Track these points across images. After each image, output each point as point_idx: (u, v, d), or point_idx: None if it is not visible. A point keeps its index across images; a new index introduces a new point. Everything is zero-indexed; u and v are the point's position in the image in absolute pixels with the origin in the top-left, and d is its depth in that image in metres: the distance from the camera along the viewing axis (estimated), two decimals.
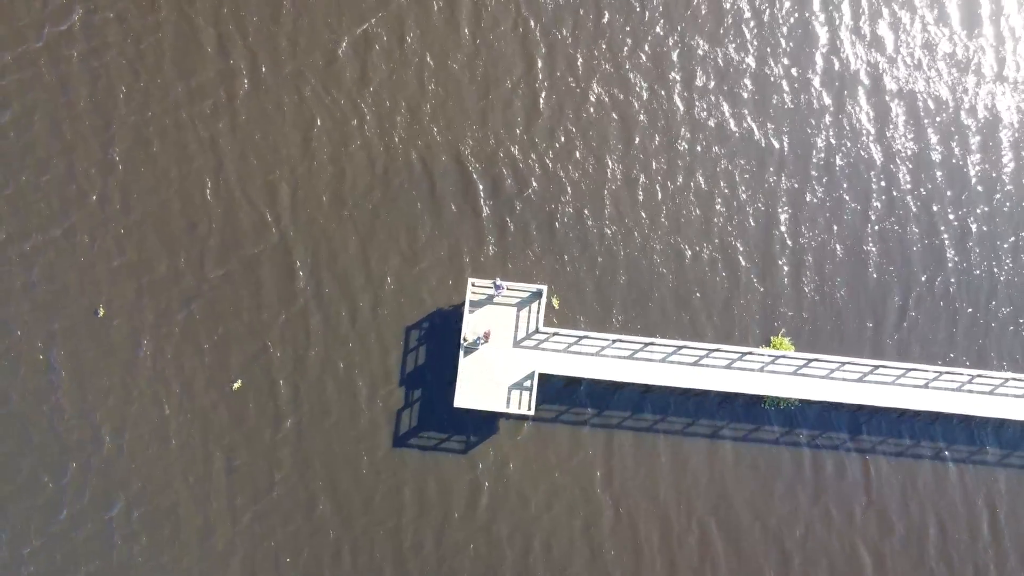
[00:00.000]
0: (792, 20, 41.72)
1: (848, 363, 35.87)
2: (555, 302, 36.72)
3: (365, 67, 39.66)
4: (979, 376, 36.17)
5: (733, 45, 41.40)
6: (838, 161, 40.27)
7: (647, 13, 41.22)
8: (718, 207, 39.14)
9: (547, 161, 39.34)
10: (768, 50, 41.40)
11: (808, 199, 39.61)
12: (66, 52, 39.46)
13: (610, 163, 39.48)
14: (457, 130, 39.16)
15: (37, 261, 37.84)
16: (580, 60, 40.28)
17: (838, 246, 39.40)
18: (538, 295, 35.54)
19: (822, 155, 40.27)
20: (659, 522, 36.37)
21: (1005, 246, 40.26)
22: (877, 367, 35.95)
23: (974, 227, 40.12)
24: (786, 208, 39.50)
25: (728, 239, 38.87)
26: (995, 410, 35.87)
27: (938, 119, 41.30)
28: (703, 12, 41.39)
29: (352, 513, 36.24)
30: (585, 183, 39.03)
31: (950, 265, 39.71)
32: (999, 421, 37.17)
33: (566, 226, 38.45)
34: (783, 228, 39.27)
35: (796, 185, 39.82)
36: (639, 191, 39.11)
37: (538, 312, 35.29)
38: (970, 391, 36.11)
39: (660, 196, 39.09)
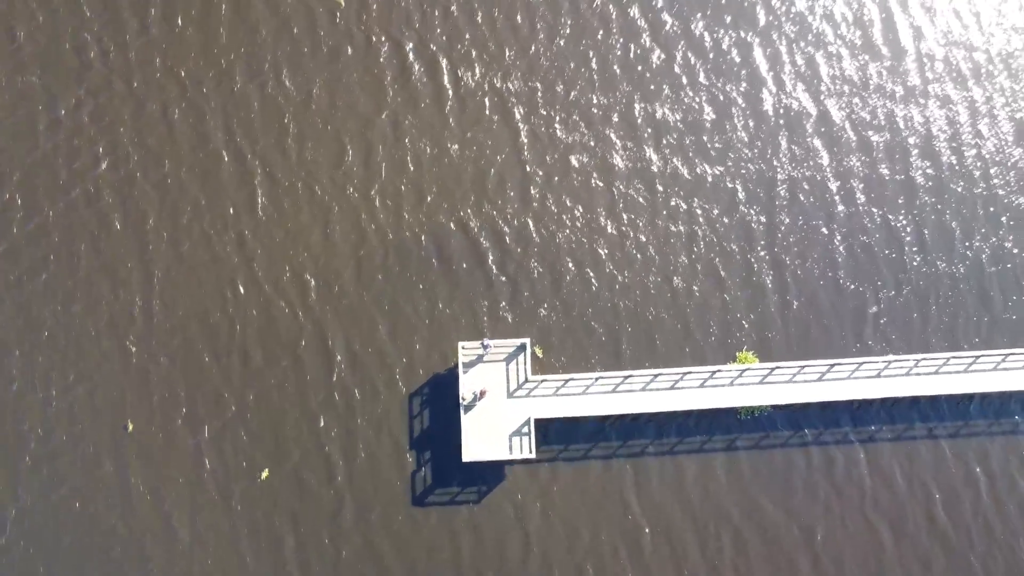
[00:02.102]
0: (742, 74, 45.85)
1: (807, 365, 39.15)
2: (539, 352, 39.26)
3: (368, 161, 42.67)
4: (924, 360, 39.72)
5: (689, 103, 45.53)
6: (793, 192, 43.69)
7: (613, 85, 44.86)
8: (692, 247, 42.15)
9: (527, 222, 42.12)
10: (722, 99, 45.26)
11: (776, 229, 43.11)
12: (99, 188, 42.10)
13: (585, 217, 42.22)
14: (449, 208, 41.79)
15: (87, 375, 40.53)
16: (557, 131, 43.38)
17: (812, 267, 42.76)
18: (522, 348, 38.28)
19: (784, 186, 44.03)
20: (683, 536, 38.89)
21: (956, 243, 44.32)
22: (833, 365, 39.26)
23: (926, 231, 44.12)
24: (755, 240, 42.73)
25: (696, 272, 41.93)
26: (930, 388, 39.74)
27: (879, 137, 45.58)
28: (659, 78, 44.95)
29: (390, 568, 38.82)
30: (559, 239, 41.80)
31: (911, 267, 43.72)
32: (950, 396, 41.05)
33: (544, 282, 41.31)
34: (751, 256, 42.39)
35: (764, 218, 43.53)
36: (607, 242, 42.15)
37: (525, 363, 38.05)
38: (918, 374, 39.77)
39: (630, 242, 42.01)
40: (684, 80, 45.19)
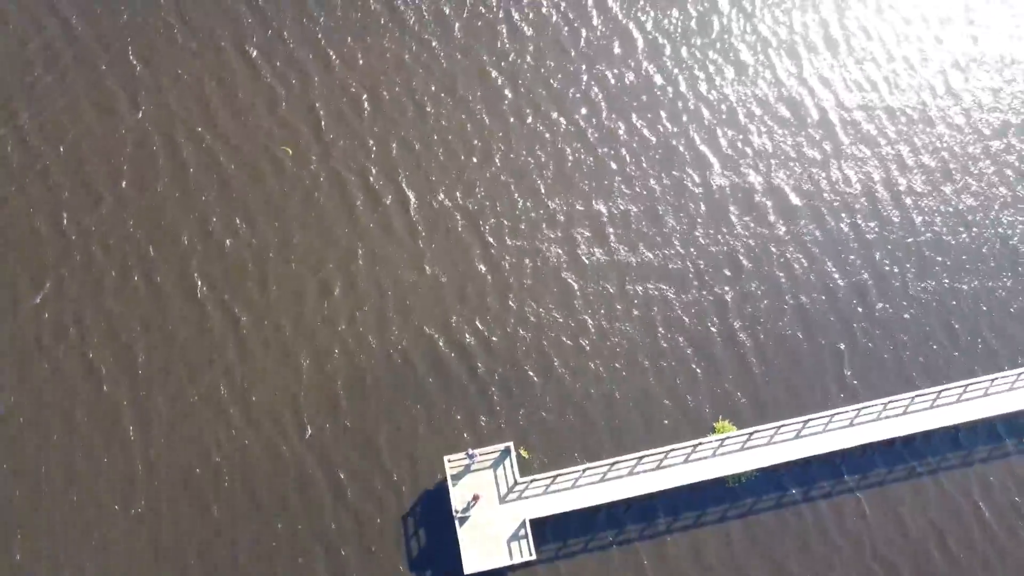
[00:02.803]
0: (675, 161, 48.88)
1: (783, 425, 40.09)
2: (524, 453, 39.67)
3: (338, 293, 43.88)
4: (891, 402, 40.97)
5: (632, 195, 48.16)
6: (744, 262, 46.27)
7: (562, 188, 47.51)
8: (656, 328, 43.78)
9: (496, 328, 43.28)
10: (662, 187, 48.00)
11: (731, 299, 44.94)
12: (72, 354, 42.75)
13: (550, 315, 43.67)
14: (422, 326, 42.96)
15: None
16: (514, 238, 45.46)
17: (772, 330, 44.42)
18: (507, 452, 38.70)
19: (733, 258, 46.06)
20: None
21: (897, 284, 46.39)
22: (808, 420, 40.27)
23: (869, 279, 46.25)
24: (714, 312, 44.37)
25: (663, 351, 43.33)
26: (896, 429, 40.70)
27: (811, 202, 48.34)
28: (601, 176, 47.76)
29: None
30: (528, 340, 43.02)
31: (869, 317, 45.50)
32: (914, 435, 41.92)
33: (518, 384, 42.23)
34: (712, 328, 43.88)
35: (718, 291, 45.45)
36: (575, 335, 43.46)
37: (512, 466, 38.42)
38: (889, 416, 40.88)
39: (597, 332, 43.28)
40: (623, 175, 47.91)
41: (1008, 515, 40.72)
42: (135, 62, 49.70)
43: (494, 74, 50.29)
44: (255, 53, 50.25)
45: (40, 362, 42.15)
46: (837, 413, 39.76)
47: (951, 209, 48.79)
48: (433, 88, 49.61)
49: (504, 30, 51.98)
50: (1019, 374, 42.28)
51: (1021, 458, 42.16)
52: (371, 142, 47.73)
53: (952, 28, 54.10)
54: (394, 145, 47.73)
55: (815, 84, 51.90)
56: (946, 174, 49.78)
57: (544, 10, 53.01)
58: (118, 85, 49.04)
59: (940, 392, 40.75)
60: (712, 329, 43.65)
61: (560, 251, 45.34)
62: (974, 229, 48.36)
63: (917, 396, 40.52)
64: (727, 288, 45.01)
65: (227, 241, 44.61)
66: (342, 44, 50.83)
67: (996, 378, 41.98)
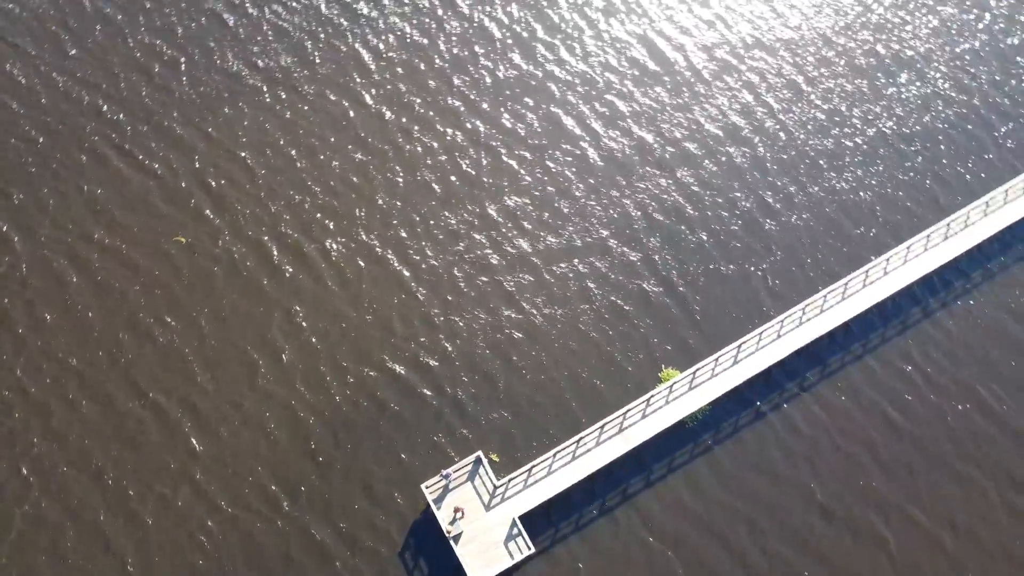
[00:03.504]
0: (559, 141, 50.47)
1: (720, 355, 42.25)
2: (494, 457, 40.61)
3: (279, 360, 43.54)
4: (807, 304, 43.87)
5: (529, 185, 49.41)
6: (651, 216, 47.97)
7: (461, 197, 48.44)
8: (591, 299, 45.24)
9: (443, 344, 43.90)
10: (554, 169, 49.57)
11: (650, 253, 46.91)
12: (45, 498, 41.17)
13: (490, 317, 44.31)
14: (370, 365, 42.80)
15: None
16: (431, 256, 45.89)
17: (694, 271, 46.66)
18: (479, 461, 39.51)
19: (639, 215, 48.05)
20: (709, 549, 40.20)
21: (784, 197, 49.30)
22: (742, 344, 42.58)
23: (760, 201, 48.82)
24: (639, 270, 46.14)
25: (603, 317, 45.11)
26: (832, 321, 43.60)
27: (688, 145, 50.73)
28: (495, 175, 49.03)
29: None
30: (475, 345, 43.77)
31: (772, 233, 48.12)
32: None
33: (479, 390, 42.87)
34: (641, 285, 45.79)
35: (637, 248, 47.22)
36: (518, 328, 44.52)
37: (487, 473, 39.23)
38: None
39: (537, 319, 44.20)
40: (515, 167, 49.27)
41: (935, 371, 44.05)
42: (9, 190, 48.12)
43: (369, 103, 50.89)
44: (128, 147, 49.36)
45: (14, 507, 40.47)
46: (765, 330, 42.20)
47: (813, 117, 52.22)
48: (315, 132, 49.85)
49: (367, 57, 52.71)
50: (908, 247, 45.77)
51: (930, 321, 45.65)
52: (270, 203, 47.58)
53: None
54: (295, 197, 47.69)
55: (656, 38, 54.61)
56: (797, 90, 53.24)
57: (398, 32, 54.00)
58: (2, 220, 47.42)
59: (847, 283, 43.76)
60: (640, 286, 45.42)
61: (482, 254, 46.27)
62: (836, 130, 51.90)
63: (828, 292, 43.39)
64: (642, 244, 46.92)
65: (161, 339, 43.67)
66: (212, 116, 50.46)
67: (889, 256, 45.34)
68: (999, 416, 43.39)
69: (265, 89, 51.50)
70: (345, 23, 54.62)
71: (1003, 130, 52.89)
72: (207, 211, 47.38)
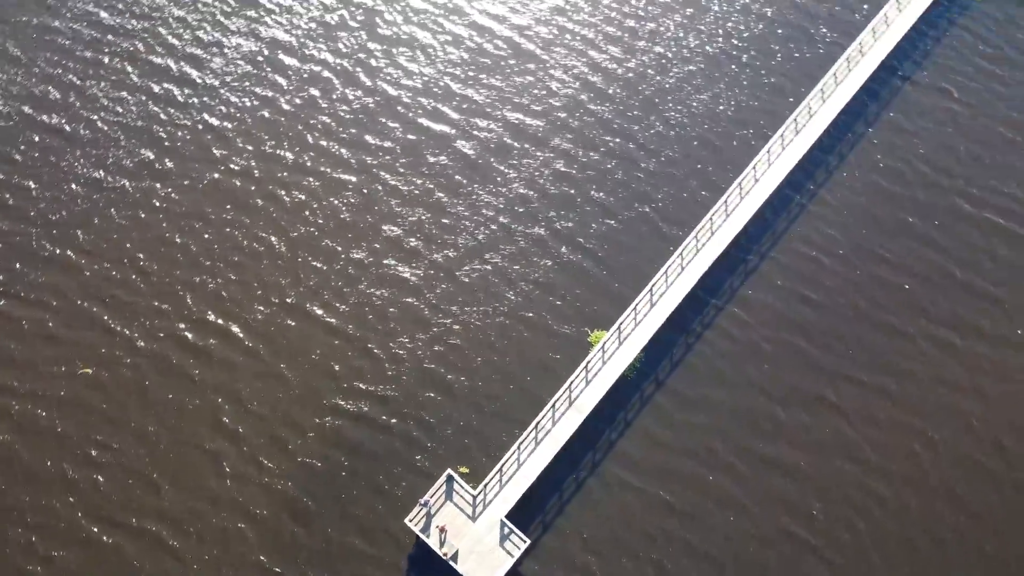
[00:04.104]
0: (424, 164, 50.86)
1: (636, 303, 44.27)
2: (464, 469, 41.36)
3: (227, 442, 43.05)
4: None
5: (407, 206, 49.73)
6: (532, 195, 49.52)
7: (345, 234, 48.65)
8: (508, 285, 46.19)
9: (387, 374, 44.35)
10: (427, 185, 50.08)
11: (543, 233, 48.34)
12: None
13: (420, 336, 44.57)
14: (320, 416, 42.60)
15: None
16: (341, 294, 45.73)
17: (584, 241, 48.18)
18: (450, 479, 40.46)
19: (521, 197, 49.34)
20: (702, 473, 42.01)
21: (650, 134, 51.37)
22: (652, 286, 44.75)
23: (630, 145, 50.91)
24: (541, 246, 47.53)
25: (527, 296, 46.20)
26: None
27: (549, 116, 52.02)
28: (366, 215, 49.23)
29: None
30: (419, 365, 43.91)
31: (649, 166, 50.13)
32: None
33: (427, 413, 43.32)
34: (546, 262, 47.01)
35: (529, 232, 48.60)
36: (452, 335, 45.29)
37: (462, 486, 40.25)
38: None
39: (469, 319, 44.81)
40: (398, 186, 49.49)
41: (832, 244, 47.37)
42: None
43: (237, 168, 50.07)
44: (8, 289, 47.47)
45: None
46: (669, 266, 44.37)
47: (655, 54, 54.36)
48: (194, 212, 48.71)
49: (219, 124, 51.79)
50: (768, 150, 48.67)
51: (813, 203, 48.87)
52: (173, 294, 46.46)
53: None
54: (195, 281, 46.67)
55: (484, 27, 55.52)
56: (631, 34, 55.22)
57: (240, 92, 53.14)
58: None
59: (726, 200, 46.33)
60: (545, 263, 46.84)
61: (396, 277, 46.37)
62: (678, 61, 54.21)
63: (713, 214, 45.91)
64: (542, 218, 48.10)
65: (111, 462, 42.54)
66: (84, 229, 48.68)
67: (755, 163, 48.16)
68: (898, 264, 47.14)
69: (129, 186, 50.16)
70: (184, 99, 53.44)
71: (821, 17, 56.46)
72: (112, 324, 46.12)
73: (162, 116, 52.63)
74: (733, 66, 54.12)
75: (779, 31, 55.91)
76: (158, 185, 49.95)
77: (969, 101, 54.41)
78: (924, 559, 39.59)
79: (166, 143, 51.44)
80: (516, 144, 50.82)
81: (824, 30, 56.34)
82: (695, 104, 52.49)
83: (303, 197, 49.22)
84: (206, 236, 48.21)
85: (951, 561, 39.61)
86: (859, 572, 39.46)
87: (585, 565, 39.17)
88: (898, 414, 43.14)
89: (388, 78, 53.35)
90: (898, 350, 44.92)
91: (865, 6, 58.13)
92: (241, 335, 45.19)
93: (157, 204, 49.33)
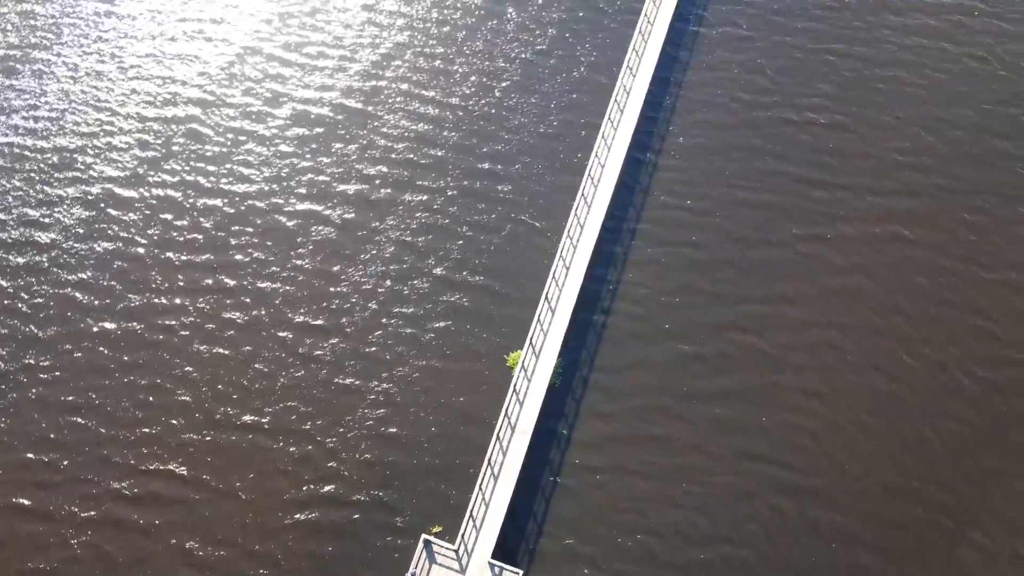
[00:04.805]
0: (281, 247, 50.80)
1: (539, 313, 45.85)
2: (436, 529, 41.24)
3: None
4: None
5: (271, 279, 49.73)
6: (408, 240, 50.39)
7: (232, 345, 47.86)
8: (412, 343, 46.59)
9: (327, 449, 44.23)
10: (292, 261, 50.12)
11: (430, 271, 49.27)
12: None
13: (350, 411, 44.18)
14: (273, 513, 42.01)
15: None
16: (277, 411, 45.30)
17: (468, 265, 49.54)
18: (427, 544, 39.93)
19: (397, 243, 50.15)
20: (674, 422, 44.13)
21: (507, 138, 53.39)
22: (547, 295, 46.57)
23: (488, 165, 52.63)
24: (426, 293, 48.22)
25: (428, 346, 46.67)
26: None
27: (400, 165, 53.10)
28: (239, 323, 48.82)
29: None
30: (358, 444, 43.58)
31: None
32: None
33: (381, 478, 43.29)
34: (440, 299, 47.78)
35: (412, 278, 49.33)
36: (373, 399, 45.63)
37: (442, 545, 40.10)
38: None
39: (379, 386, 44.67)
40: (277, 286, 49.34)
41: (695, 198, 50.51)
42: None
43: (109, 325, 47.88)
44: None
45: None
46: (555, 269, 46.41)
47: (471, 82, 56.57)
48: (78, 387, 46.23)
49: (75, 298, 49.94)
50: (602, 135, 51.62)
51: (657, 177, 52.00)
52: (87, 475, 43.25)
53: None
54: (103, 452, 44.04)
55: (311, 99, 56.38)
56: (445, 72, 57.35)
57: (90, 249, 51.40)
58: None
59: (583, 193, 48.79)
60: (443, 306, 47.54)
61: (307, 374, 45.66)
62: (494, 80, 56.67)
63: (576, 208, 48.23)
64: (423, 269, 48.88)
65: None
66: None
67: (597, 148, 51.03)
68: (752, 187, 50.85)
69: (10, 368, 47.26)
70: (34, 266, 50.94)
71: (605, 3, 60.63)
72: (33, 526, 43.42)
73: (15, 290, 49.93)
74: (546, 68, 57.11)
75: (574, 26, 59.50)
76: (39, 361, 47.45)
77: (756, 28, 59.51)
78: (878, 434, 43.45)
79: (30, 316, 48.92)
80: (376, 204, 51.64)
81: (611, 12, 60.31)
82: (526, 112, 54.98)
83: (190, 322, 48.12)
84: (100, 402, 45.96)
85: (899, 425, 43.65)
86: (827, 467, 42.40)
87: (588, 557, 40.30)
88: (802, 315, 46.99)
89: (233, 182, 53.15)
90: (781, 260, 48.85)
91: None
92: (177, 487, 43.54)
93: (37, 392, 46.85)
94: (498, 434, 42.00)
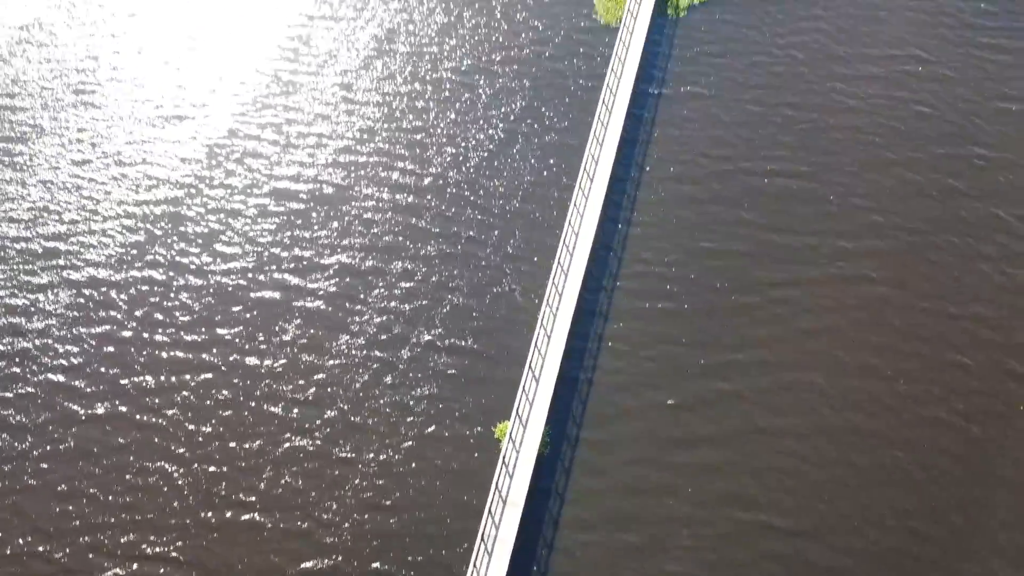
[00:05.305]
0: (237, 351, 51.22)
1: (524, 383, 46.61)
2: None
3: None
4: None
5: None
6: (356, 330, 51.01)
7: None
8: (378, 432, 46.65)
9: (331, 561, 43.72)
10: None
11: (400, 356, 49.82)
12: None
13: (343, 501, 44.35)
14: None
15: None
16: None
17: (443, 338, 50.03)
18: None
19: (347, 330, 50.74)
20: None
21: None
22: (531, 363, 47.52)
23: (472, 233, 53.90)
24: (402, 375, 48.86)
25: (403, 453, 46.90)
26: None
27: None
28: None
29: None
30: (342, 543, 43.19)
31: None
32: None
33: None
34: (417, 376, 48.07)
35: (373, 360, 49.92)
36: (363, 477, 45.29)
37: None
38: None
39: (382, 474, 44.81)
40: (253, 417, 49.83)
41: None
42: None
43: (96, 424, 48.28)
44: None
45: None
46: (536, 339, 47.50)
47: (445, 157, 58.53)
48: (67, 481, 46.50)
49: (61, 391, 50.03)
50: (573, 202, 53.43)
51: (631, 241, 53.76)
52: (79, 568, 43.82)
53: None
54: (103, 540, 43.67)
55: (288, 183, 57.79)
56: (421, 144, 59.31)
57: (75, 341, 51.75)
58: None
59: (559, 259, 50.30)
60: (429, 378, 48.27)
61: (294, 458, 46.03)
62: (470, 156, 58.72)
63: (554, 275, 49.64)
64: (405, 347, 49.83)
65: None
66: None
67: (570, 216, 52.68)
68: (721, 249, 52.66)
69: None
70: (18, 361, 51.12)
71: (569, 72, 63.42)
72: None
73: (2, 379, 49.93)
74: (519, 140, 59.35)
75: (542, 95, 62.13)
76: (31, 450, 47.12)
77: (715, 88, 62.46)
78: (863, 471, 44.53)
79: (17, 403, 48.82)
80: (360, 276, 52.76)
81: (576, 79, 63.19)
82: (501, 179, 56.91)
83: (176, 412, 48.40)
84: (97, 482, 45.56)
85: (884, 461, 44.84)
86: (816, 507, 43.38)
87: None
88: (778, 360, 48.36)
89: (217, 262, 54.09)
90: (755, 308, 50.39)
91: (601, 48, 65.64)
92: (176, 553, 43.07)
93: (33, 466, 46.37)
94: (489, 508, 42.40)
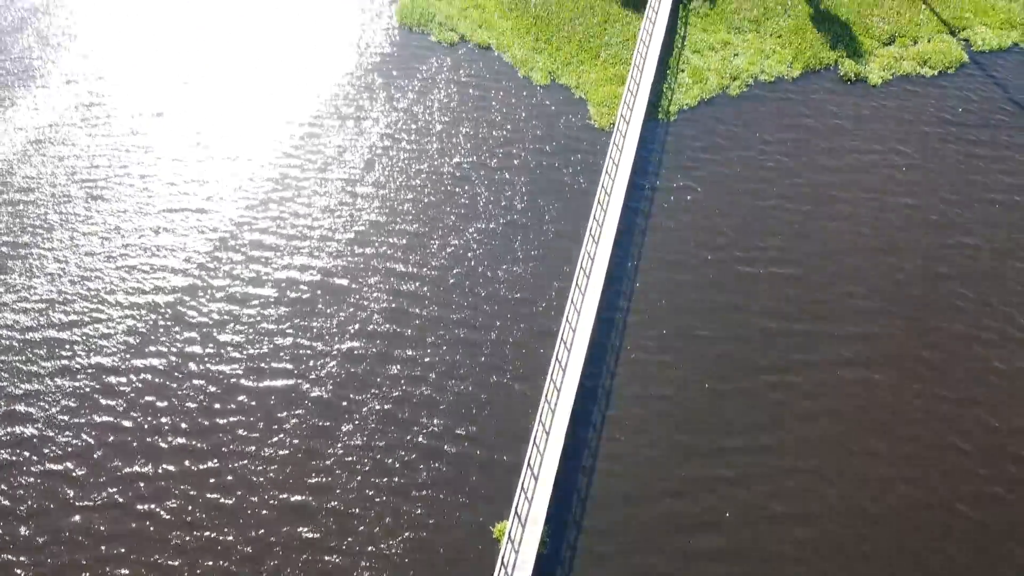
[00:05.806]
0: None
1: (523, 480, 45.93)
2: None
3: None
4: None
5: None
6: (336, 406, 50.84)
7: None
8: (392, 510, 46.42)
9: None
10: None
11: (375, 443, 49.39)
12: None
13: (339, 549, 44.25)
14: None
15: None
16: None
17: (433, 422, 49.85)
18: None
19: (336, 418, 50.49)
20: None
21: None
22: (529, 460, 47.06)
23: (467, 334, 54.41)
24: (401, 457, 48.37)
25: (393, 553, 46.28)
26: None
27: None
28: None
29: None
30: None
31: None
32: None
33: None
34: (417, 463, 47.77)
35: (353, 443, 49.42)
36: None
37: None
38: None
39: (380, 569, 45.13)
40: (244, 509, 49.46)
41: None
42: None
43: (93, 516, 47.16)
44: None
45: None
46: (535, 435, 47.39)
47: (447, 252, 59.75)
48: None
49: (60, 484, 49.38)
50: (571, 298, 54.22)
51: (628, 332, 54.45)
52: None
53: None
54: None
55: (294, 274, 58.80)
56: (419, 241, 60.65)
57: (76, 433, 51.42)
58: None
59: (556, 354, 50.71)
60: (430, 470, 47.46)
61: (295, 551, 44.83)
62: (471, 251, 59.89)
63: (552, 372, 49.99)
64: (407, 434, 49.52)
65: None
66: None
67: (567, 313, 53.32)
68: (717, 337, 52.99)
69: None
70: (17, 457, 50.67)
71: (567, 167, 65.45)
72: None
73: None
74: (516, 235, 60.76)
75: (538, 194, 64.02)
76: (19, 558, 46.15)
77: (707, 185, 64.27)
78: (871, 569, 43.60)
79: (10, 509, 48.13)
80: (357, 376, 53.00)
81: (572, 177, 65.20)
82: (499, 278, 57.88)
83: (176, 506, 47.63)
84: None
85: (894, 559, 43.97)
86: None
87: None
88: (779, 459, 47.90)
89: (217, 361, 54.39)
90: (755, 407, 50.27)
91: (597, 146, 68.01)
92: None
93: (26, 561, 45.40)
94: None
